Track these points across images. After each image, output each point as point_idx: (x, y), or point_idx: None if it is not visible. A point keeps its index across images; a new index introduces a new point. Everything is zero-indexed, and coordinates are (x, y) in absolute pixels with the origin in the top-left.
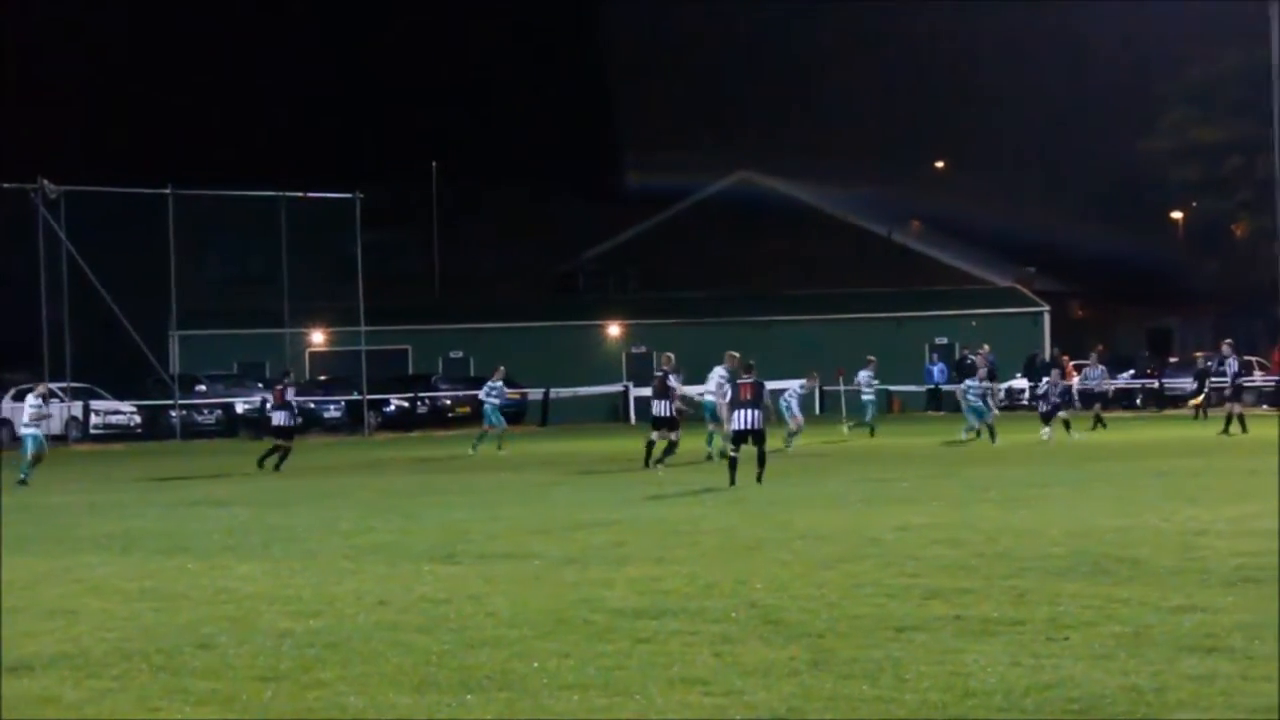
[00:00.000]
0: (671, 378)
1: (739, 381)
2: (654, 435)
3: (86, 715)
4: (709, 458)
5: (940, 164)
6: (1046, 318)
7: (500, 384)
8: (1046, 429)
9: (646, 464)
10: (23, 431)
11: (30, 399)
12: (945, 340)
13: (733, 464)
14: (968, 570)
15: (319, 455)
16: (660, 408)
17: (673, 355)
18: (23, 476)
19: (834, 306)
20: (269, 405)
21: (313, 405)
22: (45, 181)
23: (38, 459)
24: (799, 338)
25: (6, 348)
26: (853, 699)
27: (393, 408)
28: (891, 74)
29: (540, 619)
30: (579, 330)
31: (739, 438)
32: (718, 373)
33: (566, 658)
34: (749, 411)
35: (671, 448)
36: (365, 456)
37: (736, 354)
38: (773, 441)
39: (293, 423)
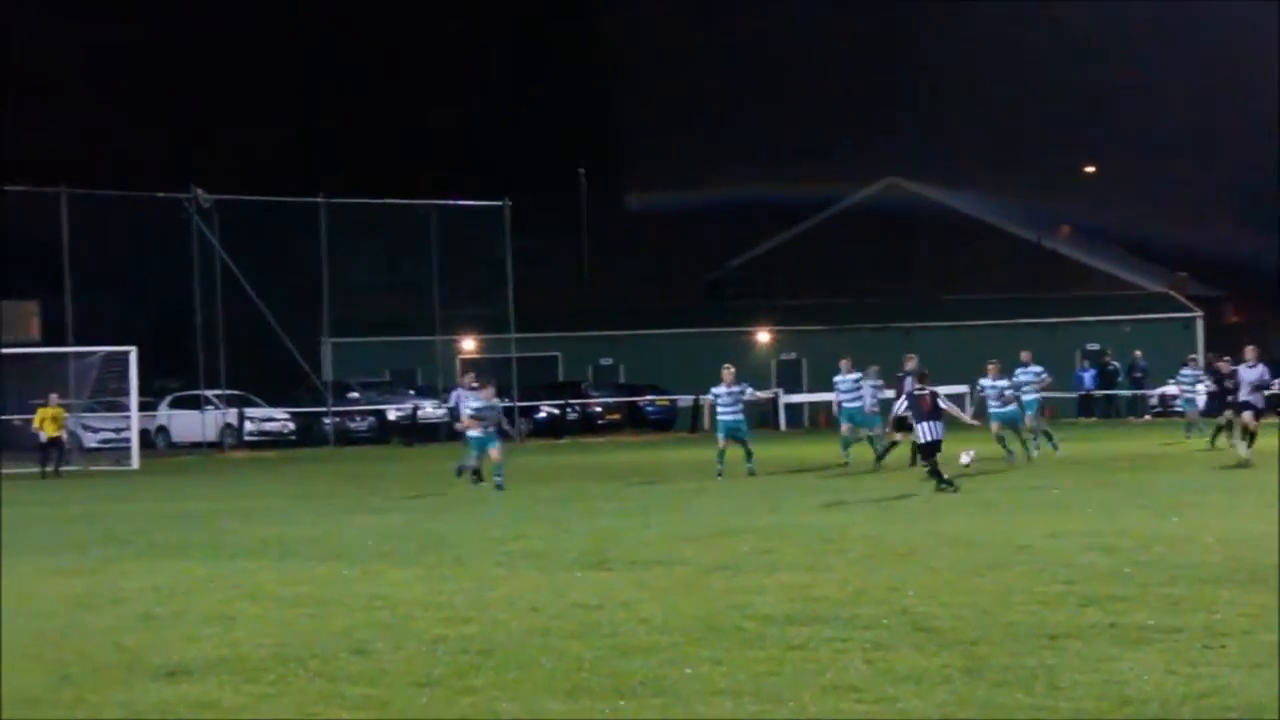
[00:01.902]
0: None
1: (918, 393)
2: (897, 436)
3: (244, 719)
4: (845, 464)
5: (1090, 168)
6: (1200, 323)
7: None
8: (1240, 442)
9: (877, 462)
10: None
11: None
12: (1096, 346)
13: (936, 474)
14: (1121, 577)
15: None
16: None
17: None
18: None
19: (982, 312)
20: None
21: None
22: (199, 190)
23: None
24: (947, 344)
25: (162, 356)
26: (1006, 707)
27: (543, 414)
28: (1041, 78)
29: (692, 625)
30: (728, 337)
31: (932, 449)
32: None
33: (718, 664)
34: (934, 424)
35: (891, 447)
36: (515, 463)
37: (915, 356)
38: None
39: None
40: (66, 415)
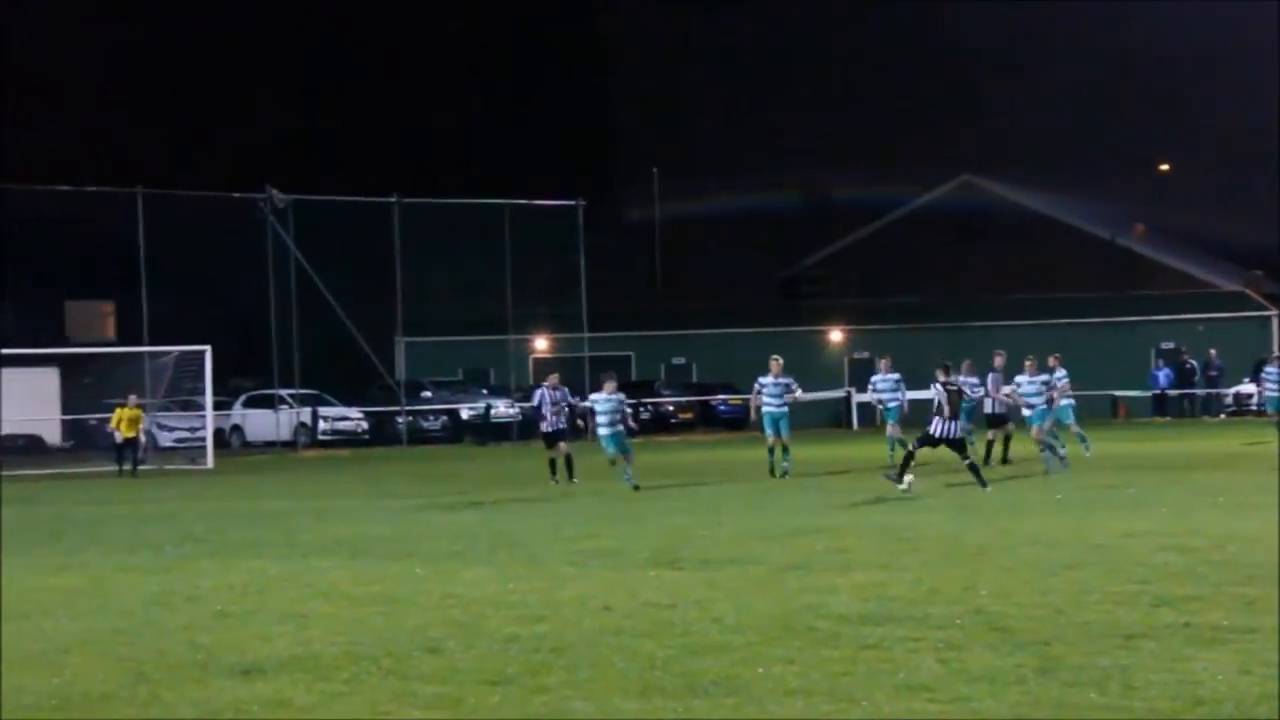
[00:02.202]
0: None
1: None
2: (990, 434)
3: (317, 718)
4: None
5: (1164, 166)
6: (1275, 321)
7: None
8: None
9: (988, 460)
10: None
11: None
12: (1171, 345)
13: (974, 470)
14: (1196, 577)
15: (544, 460)
16: (991, 406)
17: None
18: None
19: (1056, 311)
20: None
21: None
22: (273, 190)
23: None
24: (1020, 343)
25: (237, 355)
26: (1080, 707)
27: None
28: (1116, 75)
29: (765, 624)
30: (801, 335)
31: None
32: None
33: (791, 663)
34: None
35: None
36: (588, 462)
37: (1003, 352)
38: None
39: (553, 428)
40: (144, 416)
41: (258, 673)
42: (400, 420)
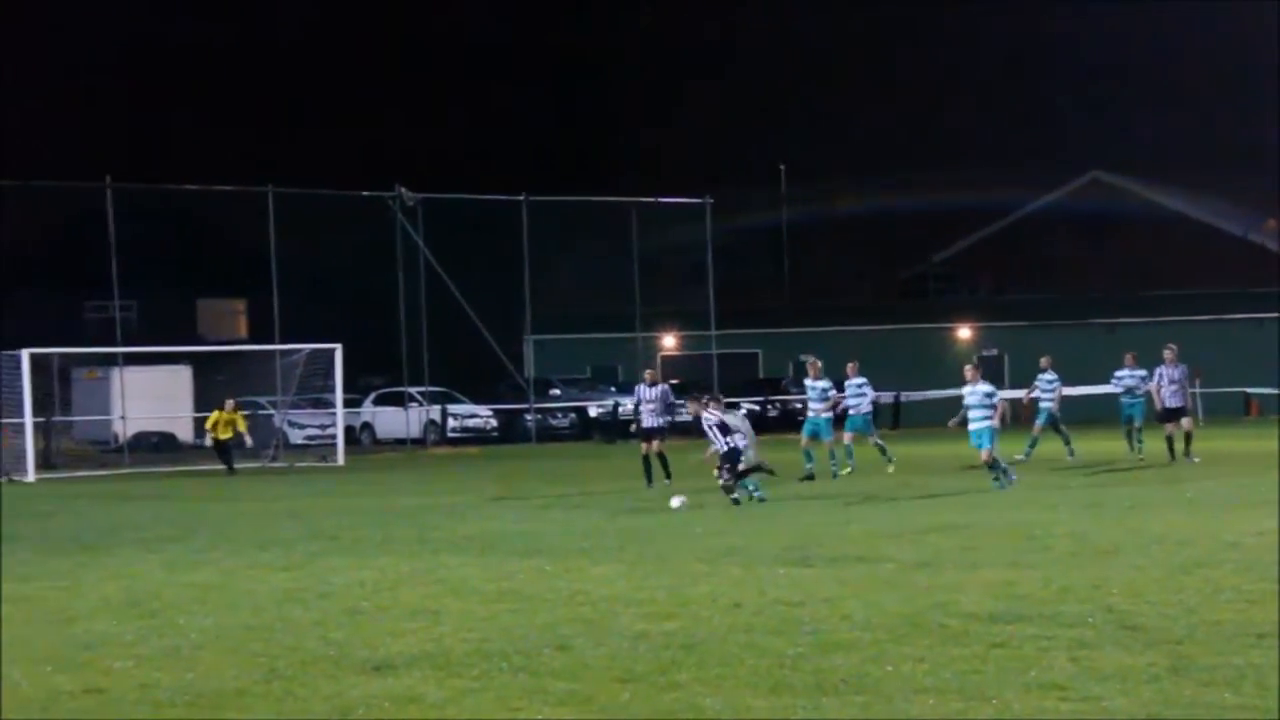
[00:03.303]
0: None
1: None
2: (1167, 429)
3: (448, 714)
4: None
5: None
6: None
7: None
8: None
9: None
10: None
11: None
12: None
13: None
14: None
15: (672, 458)
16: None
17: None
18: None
19: (1186, 307)
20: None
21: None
22: (403, 189)
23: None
24: (1150, 340)
25: (367, 353)
26: (1213, 706)
27: (743, 411)
28: (1248, 69)
29: (894, 622)
30: (928, 333)
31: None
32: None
33: (921, 661)
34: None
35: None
36: (682, 462)
37: (1175, 346)
38: None
39: (649, 424)
40: (241, 418)
41: (389, 669)
42: (529, 418)
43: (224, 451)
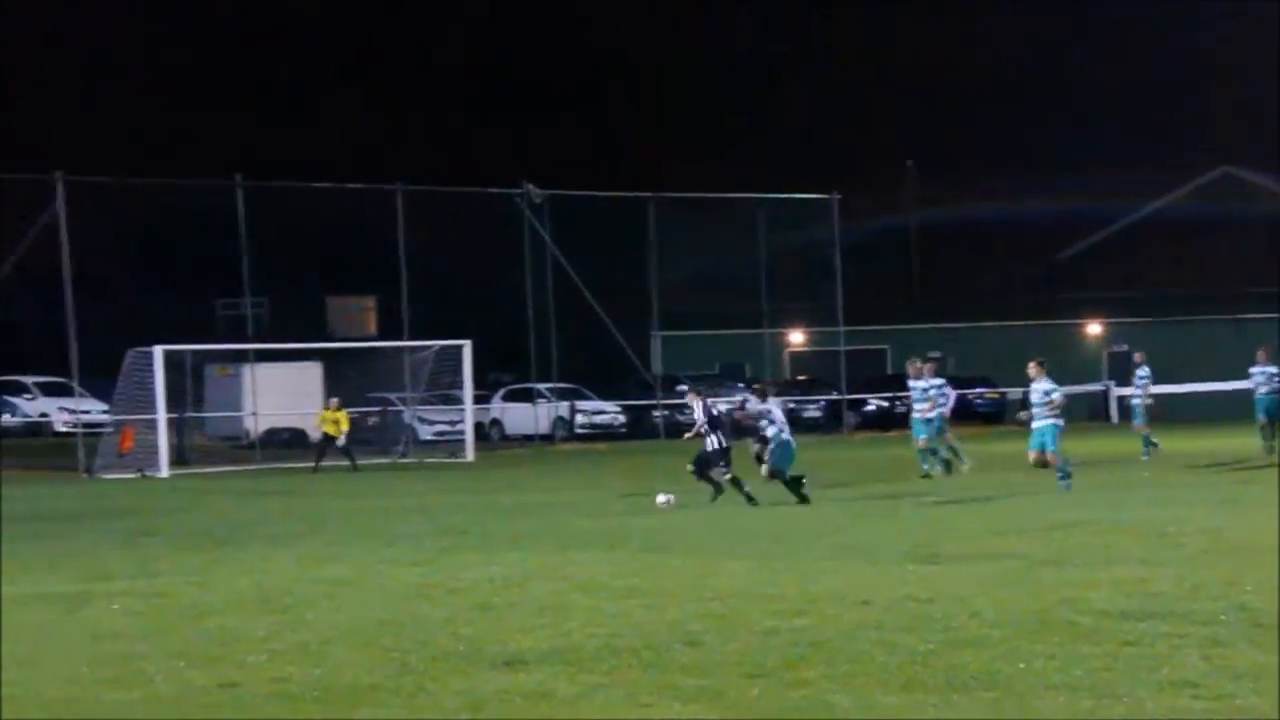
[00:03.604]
0: None
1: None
2: None
3: (579, 710)
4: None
5: None
6: None
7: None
8: None
9: None
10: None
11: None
12: None
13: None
14: None
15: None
16: None
17: None
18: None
19: None
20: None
21: (792, 405)
22: (530, 186)
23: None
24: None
25: (495, 349)
26: None
27: (872, 407)
28: None
29: (1024, 619)
30: (1058, 329)
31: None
32: None
33: (1052, 659)
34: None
35: None
36: (844, 456)
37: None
38: None
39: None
40: (346, 417)
41: (520, 664)
42: (657, 414)
43: (326, 446)
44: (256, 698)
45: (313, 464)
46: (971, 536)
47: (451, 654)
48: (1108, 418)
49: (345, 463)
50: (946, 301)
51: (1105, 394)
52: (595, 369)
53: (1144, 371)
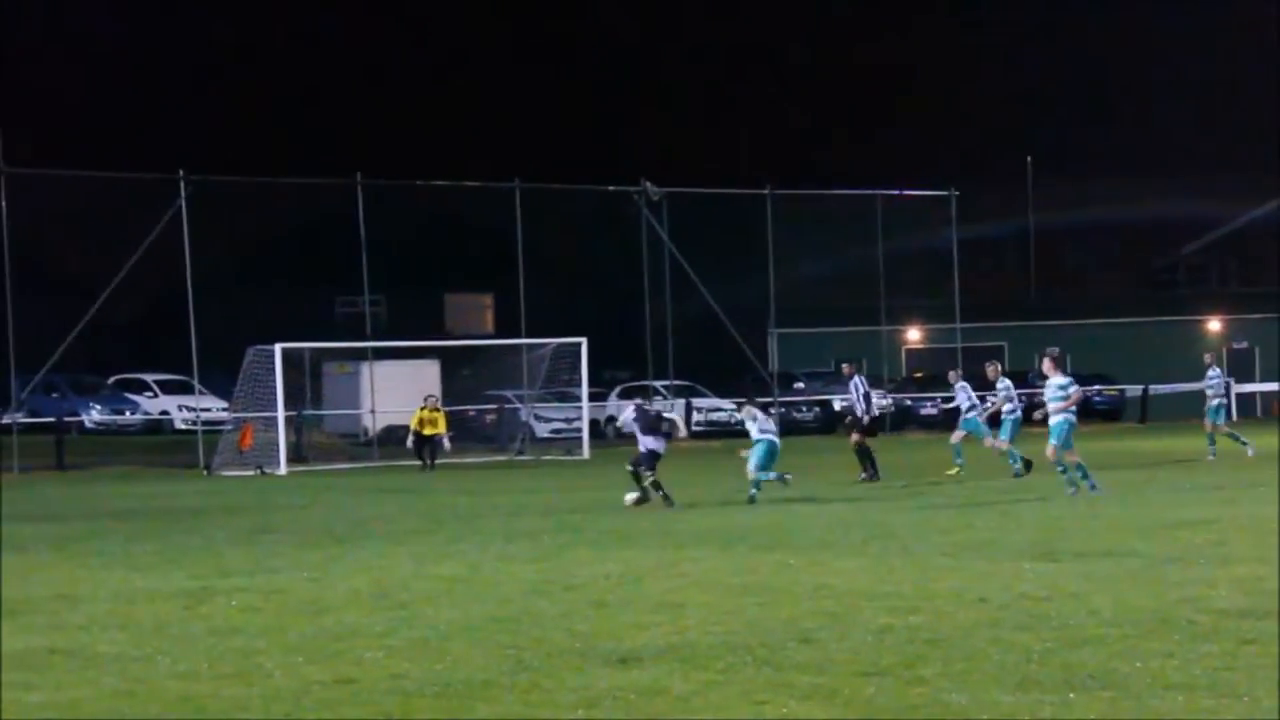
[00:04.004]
0: None
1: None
2: None
3: (693, 707)
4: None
5: None
6: None
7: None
8: None
9: None
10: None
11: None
12: None
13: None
14: None
15: (915, 452)
16: None
17: None
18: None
19: None
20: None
21: (909, 402)
22: (648, 184)
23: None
24: None
25: (612, 346)
26: None
27: (988, 404)
28: None
29: (1142, 618)
30: (1177, 325)
31: None
32: None
33: (1170, 657)
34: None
35: None
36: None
37: None
38: None
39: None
40: (443, 416)
41: (635, 661)
42: (773, 411)
43: (423, 446)
44: (374, 693)
45: (424, 463)
46: (1089, 534)
47: (567, 650)
48: (1228, 415)
49: (470, 460)
50: (1065, 297)
51: (1227, 390)
52: (711, 366)
53: (1214, 372)
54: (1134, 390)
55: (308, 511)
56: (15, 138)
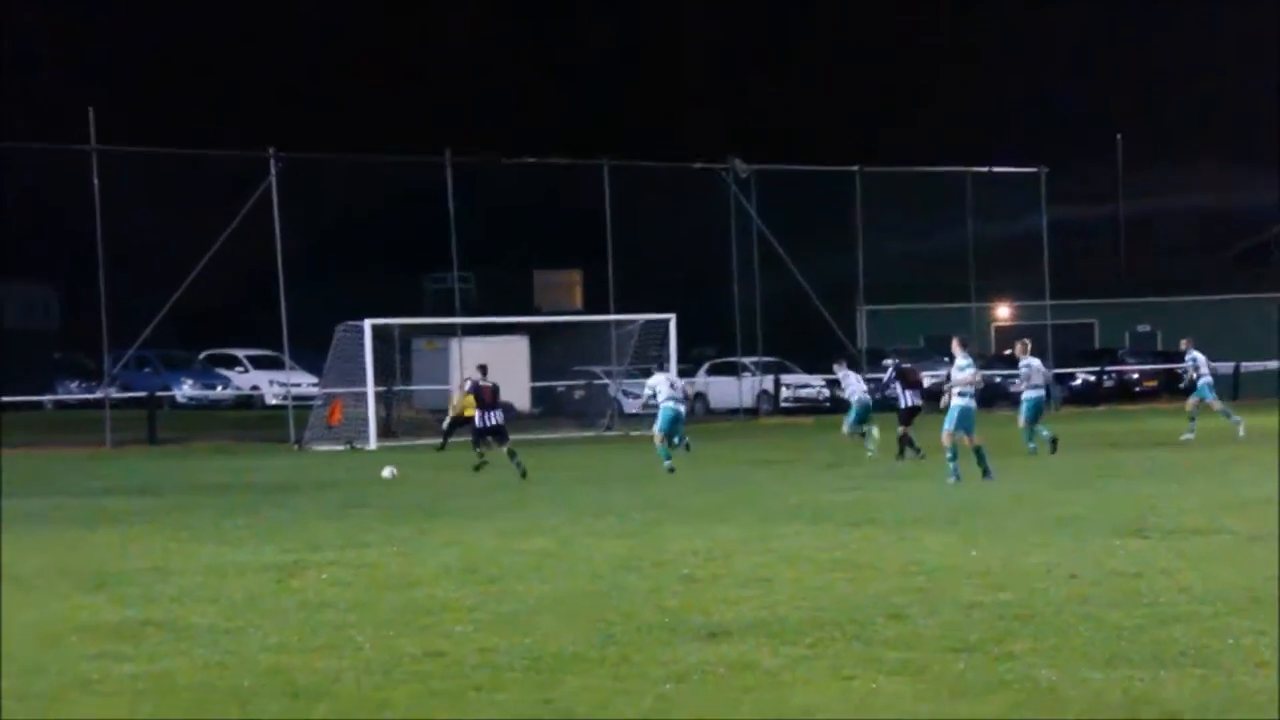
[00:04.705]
0: None
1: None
2: None
3: (783, 680)
4: None
5: None
6: None
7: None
8: None
9: None
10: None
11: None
12: None
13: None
14: None
15: (1006, 429)
16: None
17: None
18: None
19: None
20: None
21: (998, 379)
22: (736, 161)
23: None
24: None
25: (700, 323)
26: None
27: (1079, 381)
28: None
29: (1233, 595)
30: (1267, 303)
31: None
32: None
33: (1262, 635)
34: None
35: None
36: (1053, 430)
37: None
38: None
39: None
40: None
41: (723, 635)
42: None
43: (453, 428)
44: (464, 666)
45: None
46: (1179, 511)
47: (656, 625)
48: None
49: (559, 435)
50: (1157, 274)
51: None
52: (800, 343)
53: (1194, 354)
54: (1224, 367)
55: (397, 487)
56: (108, 117)
